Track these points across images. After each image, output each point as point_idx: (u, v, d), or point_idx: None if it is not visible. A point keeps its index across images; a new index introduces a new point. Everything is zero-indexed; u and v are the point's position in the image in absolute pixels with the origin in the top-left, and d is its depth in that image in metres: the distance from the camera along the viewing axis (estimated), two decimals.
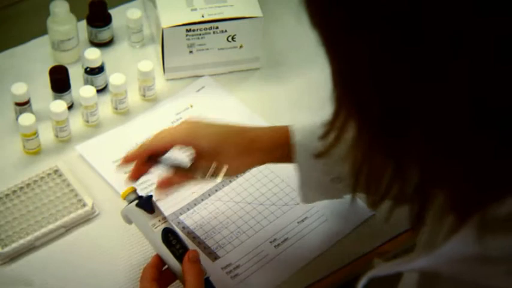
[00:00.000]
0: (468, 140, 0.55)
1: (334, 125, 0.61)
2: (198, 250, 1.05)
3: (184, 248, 0.97)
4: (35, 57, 1.30)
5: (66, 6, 1.24)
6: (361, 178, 0.63)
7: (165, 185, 1.03)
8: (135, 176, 1.02)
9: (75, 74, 1.24)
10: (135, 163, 1.01)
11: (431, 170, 0.58)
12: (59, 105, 1.15)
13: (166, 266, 0.97)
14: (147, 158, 1.01)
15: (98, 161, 1.16)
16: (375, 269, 0.63)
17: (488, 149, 0.55)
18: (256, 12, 1.24)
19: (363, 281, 0.64)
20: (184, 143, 1.00)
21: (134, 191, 1.00)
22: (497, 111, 0.53)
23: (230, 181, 1.14)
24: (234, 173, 1.03)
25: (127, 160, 1.02)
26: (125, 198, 1.00)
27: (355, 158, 0.62)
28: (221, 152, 0.99)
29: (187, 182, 1.02)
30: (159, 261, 0.97)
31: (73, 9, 1.26)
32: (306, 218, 1.09)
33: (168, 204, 1.11)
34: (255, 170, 1.15)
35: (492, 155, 0.55)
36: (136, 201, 0.98)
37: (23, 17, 1.33)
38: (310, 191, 1.02)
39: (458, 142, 0.56)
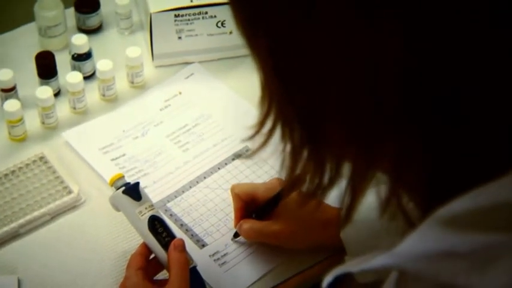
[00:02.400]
0: (396, 132, 0.55)
1: (261, 129, 0.61)
2: (186, 238, 1.03)
3: (171, 237, 0.95)
4: (22, 43, 1.28)
5: None
6: (290, 178, 0.62)
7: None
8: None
9: (63, 61, 1.22)
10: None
11: (355, 169, 0.59)
12: (44, 91, 1.13)
13: (154, 255, 0.96)
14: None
15: (85, 148, 1.14)
16: (340, 266, 0.62)
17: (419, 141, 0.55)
18: None
19: (328, 278, 0.62)
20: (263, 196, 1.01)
21: (122, 177, 0.98)
22: (425, 98, 0.53)
23: (219, 168, 1.12)
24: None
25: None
26: (112, 185, 0.98)
27: (284, 160, 0.62)
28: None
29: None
30: (146, 249, 0.95)
31: None
32: None
33: (156, 191, 1.09)
34: (244, 157, 1.13)
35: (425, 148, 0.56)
36: (123, 188, 0.97)
37: (10, 3, 1.32)
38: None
39: (384, 135, 0.56)
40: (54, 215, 1.06)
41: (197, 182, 1.10)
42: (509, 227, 0.55)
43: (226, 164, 1.12)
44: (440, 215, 0.56)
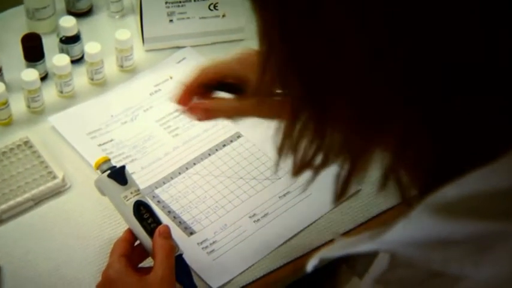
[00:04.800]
0: (394, 113, 0.53)
1: (259, 92, 0.59)
2: (173, 225, 1.00)
3: (157, 223, 0.91)
4: (10, 26, 1.25)
5: None
6: (286, 143, 0.59)
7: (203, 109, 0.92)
8: (185, 102, 0.92)
9: (52, 45, 1.19)
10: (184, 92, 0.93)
11: (356, 142, 0.56)
12: (30, 74, 1.10)
13: (138, 241, 0.92)
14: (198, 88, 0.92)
15: (72, 133, 1.10)
16: (326, 249, 0.59)
17: (415, 121, 0.53)
18: None
19: (313, 261, 0.59)
20: (238, 75, 0.91)
21: (107, 160, 0.95)
22: (419, 79, 0.51)
23: (209, 154, 1.08)
24: None
25: (183, 98, 0.92)
26: (97, 168, 0.94)
27: (280, 123, 0.58)
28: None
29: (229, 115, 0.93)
30: (131, 235, 0.92)
31: None
32: (288, 192, 1.04)
33: (144, 177, 1.05)
34: (236, 143, 1.10)
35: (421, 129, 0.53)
36: (108, 172, 0.93)
37: None
38: None
39: (383, 114, 0.53)
40: (38, 201, 1.02)
41: (186, 168, 1.07)
42: (503, 215, 0.52)
43: (217, 150, 1.09)
44: (432, 202, 0.54)
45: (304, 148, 0.58)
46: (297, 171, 0.60)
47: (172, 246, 0.89)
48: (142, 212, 0.91)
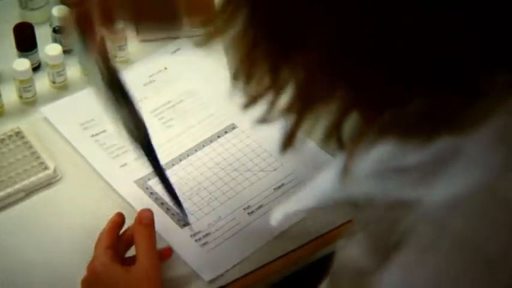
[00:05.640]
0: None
1: (221, 14, 0.56)
2: (166, 217, 0.98)
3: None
4: (3, 17, 1.23)
5: None
6: (242, 70, 0.58)
7: None
8: None
9: (45, 35, 1.17)
10: None
11: (308, 88, 0.55)
12: (22, 63, 1.08)
13: (123, 230, 0.92)
14: None
15: (64, 124, 1.09)
16: (289, 203, 0.59)
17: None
18: None
19: (276, 216, 0.59)
20: None
21: None
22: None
23: (203, 145, 1.07)
24: None
25: None
26: None
27: (238, 50, 0.57)
28: None
29: None
30: (116, 225, 0.92)
31: None
32: (283, 184, 1.02)
33: (137, 169, 1.04)
34: (230, 135, 1.08)
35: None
36: None
37: None
38: None
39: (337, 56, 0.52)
40: (29, 192, 1.01)
41: (180, 160, 1.05)
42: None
43: (211, 141, 1.07)
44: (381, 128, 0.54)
45: (257, 80, 0.56)
46: (248, 103, 0.58)
47: (154, 234, 0.89)
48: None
